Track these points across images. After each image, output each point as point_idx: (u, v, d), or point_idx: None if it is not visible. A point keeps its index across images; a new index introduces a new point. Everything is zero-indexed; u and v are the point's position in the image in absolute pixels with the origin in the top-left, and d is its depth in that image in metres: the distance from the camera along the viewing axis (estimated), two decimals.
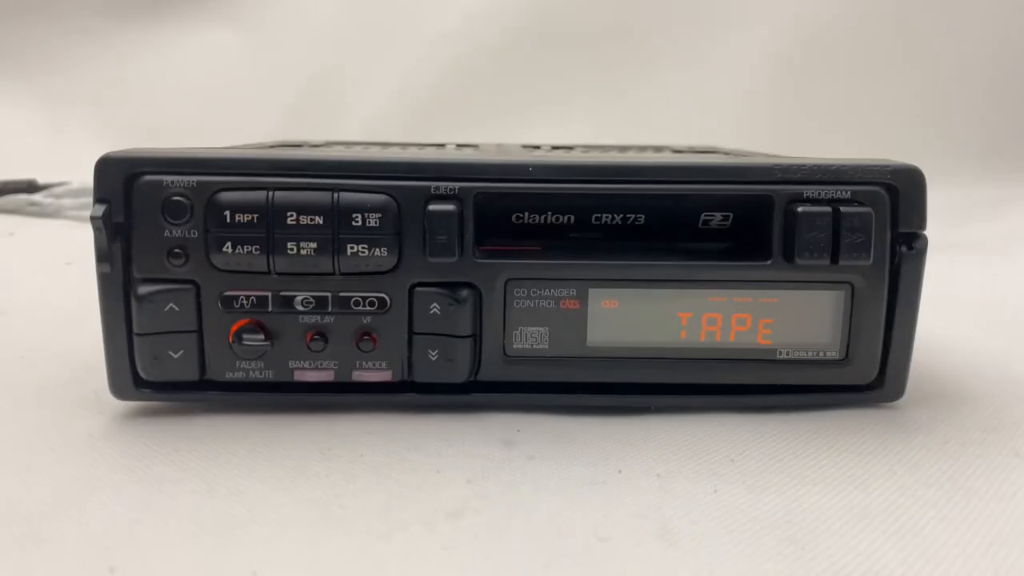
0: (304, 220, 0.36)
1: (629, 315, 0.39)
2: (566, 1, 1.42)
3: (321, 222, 0.36)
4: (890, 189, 0.38)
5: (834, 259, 0.37)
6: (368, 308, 0.38)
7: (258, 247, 0.36)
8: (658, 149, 0.61)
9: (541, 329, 0.39)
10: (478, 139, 0.68)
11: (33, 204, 1.10)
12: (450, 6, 1.44)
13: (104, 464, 0.35)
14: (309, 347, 0.38)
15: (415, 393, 0.40)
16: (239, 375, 0.39)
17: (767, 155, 0.47)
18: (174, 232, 0.37)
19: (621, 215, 0.39)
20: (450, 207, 0.37)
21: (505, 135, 0.94)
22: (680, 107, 1.36)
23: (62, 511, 0.31)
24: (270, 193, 0.36)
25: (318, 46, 1.48)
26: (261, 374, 0.39)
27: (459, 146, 0.58)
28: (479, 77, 1.41)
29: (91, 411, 0.40)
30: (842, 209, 0.37)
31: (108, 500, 0.32)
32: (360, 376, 0.39)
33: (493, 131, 1.19)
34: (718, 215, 0.39)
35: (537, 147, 0.58)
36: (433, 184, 0.37)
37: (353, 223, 0.37)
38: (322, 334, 0.38)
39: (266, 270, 0.37)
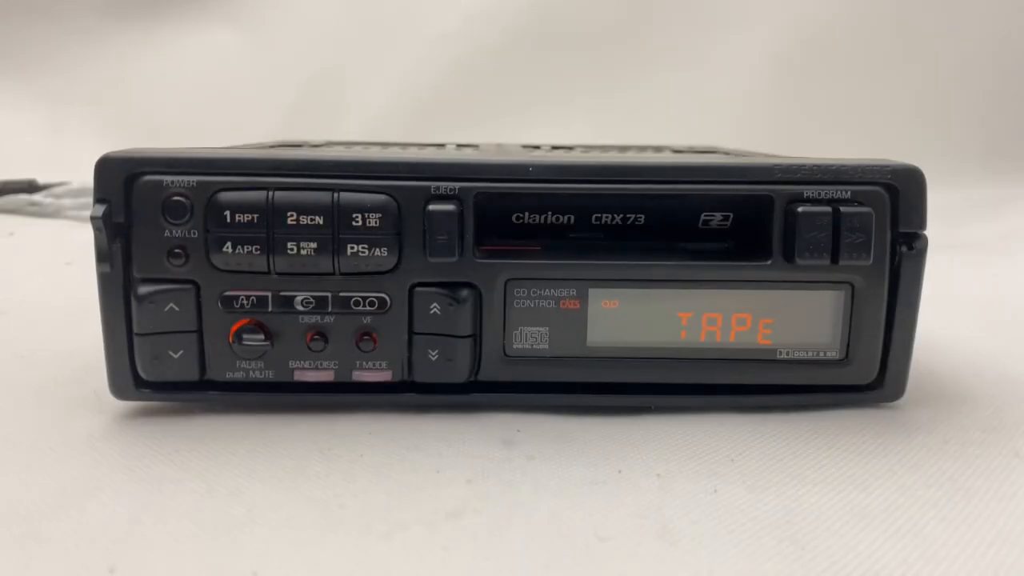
0: (304, 220, 0.36)
1: (629, 315, 0.39)
2: (566, 1, 1.42)
3: (321, 222, 0.36)
4: (890, 189, 0.38)
5: (834, 259, 0.37)
6: (368, 308, 0.38)
7: (258, 247, 0.36)
8: (658, 149, 0.61)
9: (541, 329, 0.39)
10: (478, 139, 0.68)
11: (33, 204, 1.10)
12: (450, 6, 1.44)
13: (104, 464, 0.35)
14: (309, 347, 0.38)
15: (415, 393, 0.40)
16: (239, 375, 0.39)
17: (767, 155, 0.47)
18: (174, 232, 0.37)
19: (621, 215, 0.39)
20: (450, 207, 0.37)
21: (505, 135, 0.94)
22: (680, 107, 1.36)
23: (62, 511, 0.31)
24: (270, 193, 0.36)
25: (318, 46, 1.48)
26: (261, 374, 0.39)
27: (459, 146, 0.58)
28: (479, 77, 1.41)
29: (91, 411, 0.40)
30: (842, 209, 0.37)
31: (108, 500, 0.32)
32: (360, 376, 0.39)
33: (493, 131, 1.19)
34: (718, 215, 0.39)
35: (537, 147, 0.58)
36: (433, 184, 0.37)
37: (353, 223, 0.37)
38: (322, 334, 0.38)
39: (266, 270, 0.37)
